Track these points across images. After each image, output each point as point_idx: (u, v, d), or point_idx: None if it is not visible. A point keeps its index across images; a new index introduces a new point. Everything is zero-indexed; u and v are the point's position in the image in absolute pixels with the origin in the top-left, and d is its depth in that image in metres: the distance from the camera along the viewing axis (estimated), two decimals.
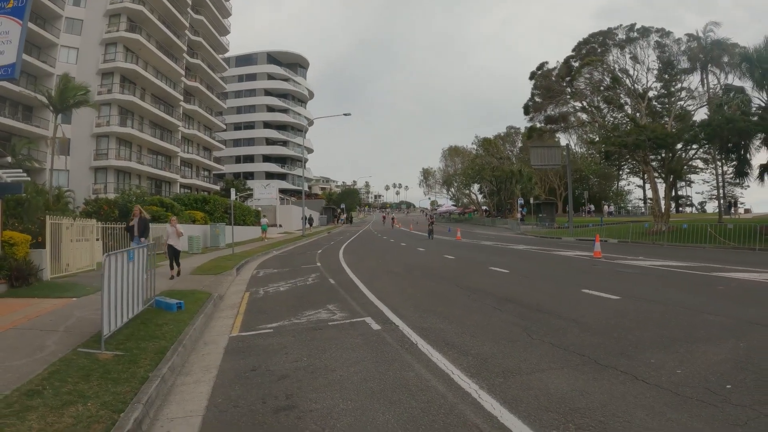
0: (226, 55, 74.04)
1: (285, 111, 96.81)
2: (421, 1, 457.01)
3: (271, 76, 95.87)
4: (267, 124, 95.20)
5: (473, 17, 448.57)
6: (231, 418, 4.77)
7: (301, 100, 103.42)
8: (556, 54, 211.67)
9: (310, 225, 72.63)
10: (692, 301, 9.29)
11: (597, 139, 47.69)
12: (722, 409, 4.26)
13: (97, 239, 18.79)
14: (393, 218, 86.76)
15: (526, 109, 49.95)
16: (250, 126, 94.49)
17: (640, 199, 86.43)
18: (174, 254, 15.78)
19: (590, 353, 6.12)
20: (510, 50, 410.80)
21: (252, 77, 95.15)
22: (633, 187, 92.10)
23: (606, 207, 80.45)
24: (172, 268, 15.72)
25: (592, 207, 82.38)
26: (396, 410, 4.64)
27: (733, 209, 64.32)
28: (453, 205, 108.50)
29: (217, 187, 64.56)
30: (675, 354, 5.92)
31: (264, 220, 48.53)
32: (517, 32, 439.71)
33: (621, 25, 43.02)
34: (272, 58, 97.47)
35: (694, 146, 36.17)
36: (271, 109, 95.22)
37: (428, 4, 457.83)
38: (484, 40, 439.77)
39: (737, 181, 39.97)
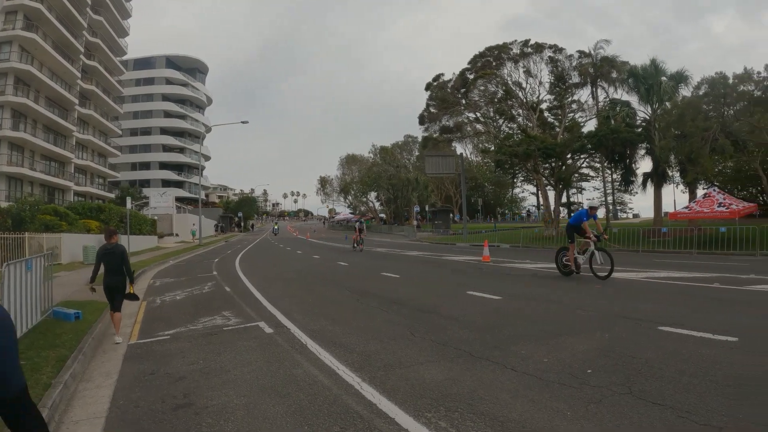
0: (125, 57, 70.46)
1: (183, 117, 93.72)
2: (328, 7, 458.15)
3: (169, 81, 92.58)
4: (164, 131, 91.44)
5: (379, 24, 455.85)
6: (132, 417, 4.91)
7: (200, 106, 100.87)
8: (461, 64, 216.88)
9: (223, 231, 72.02)
10: (568, 299, 9.97)
11: (492, 148, 49.40)
12: (580, 389, 4.68)
13: None
14: (288, 226, 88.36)
15: (421, 119, 51.18)
16: (146, 132, 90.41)
17: (534, 205, 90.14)
18: None
19: (466, 347, 6.49)
20: (414, 58, 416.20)
21: (150, 81, 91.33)
22: (527, 194, 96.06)
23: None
24: None
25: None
26: (286, 402, 4.92)
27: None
28: (350, 213, 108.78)
29: (113, 195, 61.57)
30: (545, 346, 6.37)
31: (193, 227, 55.25)
32: (424, 41, 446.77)
33: (516, 40, 44.97)
34: (171, 62, 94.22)
35: (582, 155, 38.41)
36: (168, 114, 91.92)
37: (336, 10, 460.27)
38: (389, 47, 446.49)
39: (624, 188, 42.74)
